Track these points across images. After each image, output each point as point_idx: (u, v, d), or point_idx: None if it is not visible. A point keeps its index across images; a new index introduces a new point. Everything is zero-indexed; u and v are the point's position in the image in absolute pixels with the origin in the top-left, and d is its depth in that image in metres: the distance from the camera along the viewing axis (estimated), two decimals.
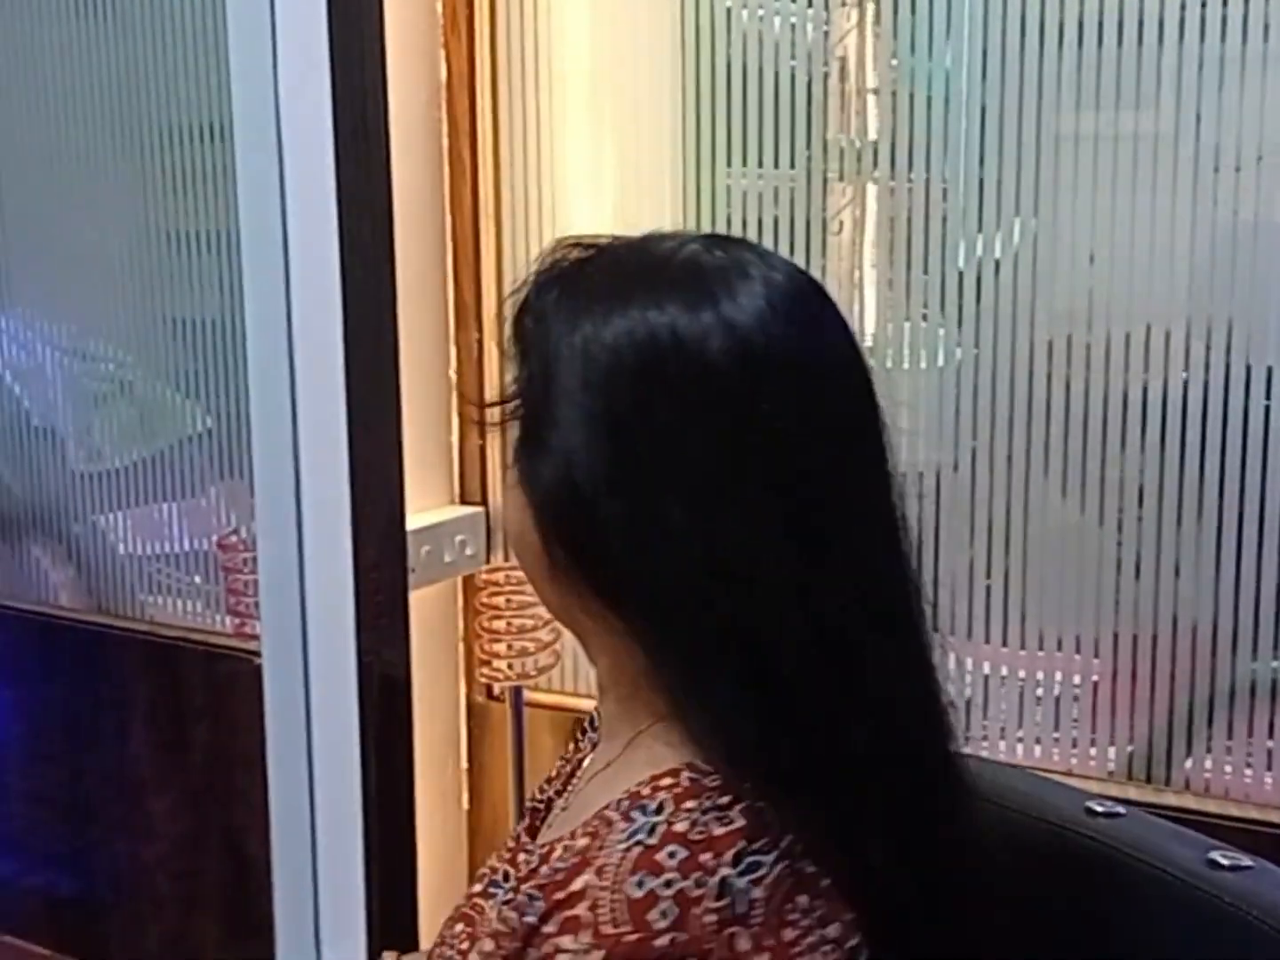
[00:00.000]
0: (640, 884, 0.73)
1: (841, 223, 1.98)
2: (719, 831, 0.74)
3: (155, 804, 2.48)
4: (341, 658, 1.66)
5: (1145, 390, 1.77)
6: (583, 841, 0.78)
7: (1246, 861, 0.87)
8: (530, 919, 0.76)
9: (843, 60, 1.94)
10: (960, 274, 1.87)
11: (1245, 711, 1.74)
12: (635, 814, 0.76)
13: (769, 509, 0.77)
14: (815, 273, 1.91)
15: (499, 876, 0.88)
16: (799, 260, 1.93)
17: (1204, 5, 1.67)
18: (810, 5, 1.92)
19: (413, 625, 1.87)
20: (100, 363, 2.73)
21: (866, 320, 1.97)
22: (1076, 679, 1.83)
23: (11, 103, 2.65)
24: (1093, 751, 1.84)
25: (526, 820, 0.97)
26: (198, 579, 2.60)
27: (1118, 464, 1.79)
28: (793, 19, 1.94)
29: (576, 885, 0.75)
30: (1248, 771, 1.74)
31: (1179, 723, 1.79)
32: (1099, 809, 0.94)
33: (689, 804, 0.76)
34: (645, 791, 0.78)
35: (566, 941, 0.74)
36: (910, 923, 0.78)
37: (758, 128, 1.97)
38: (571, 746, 1.04)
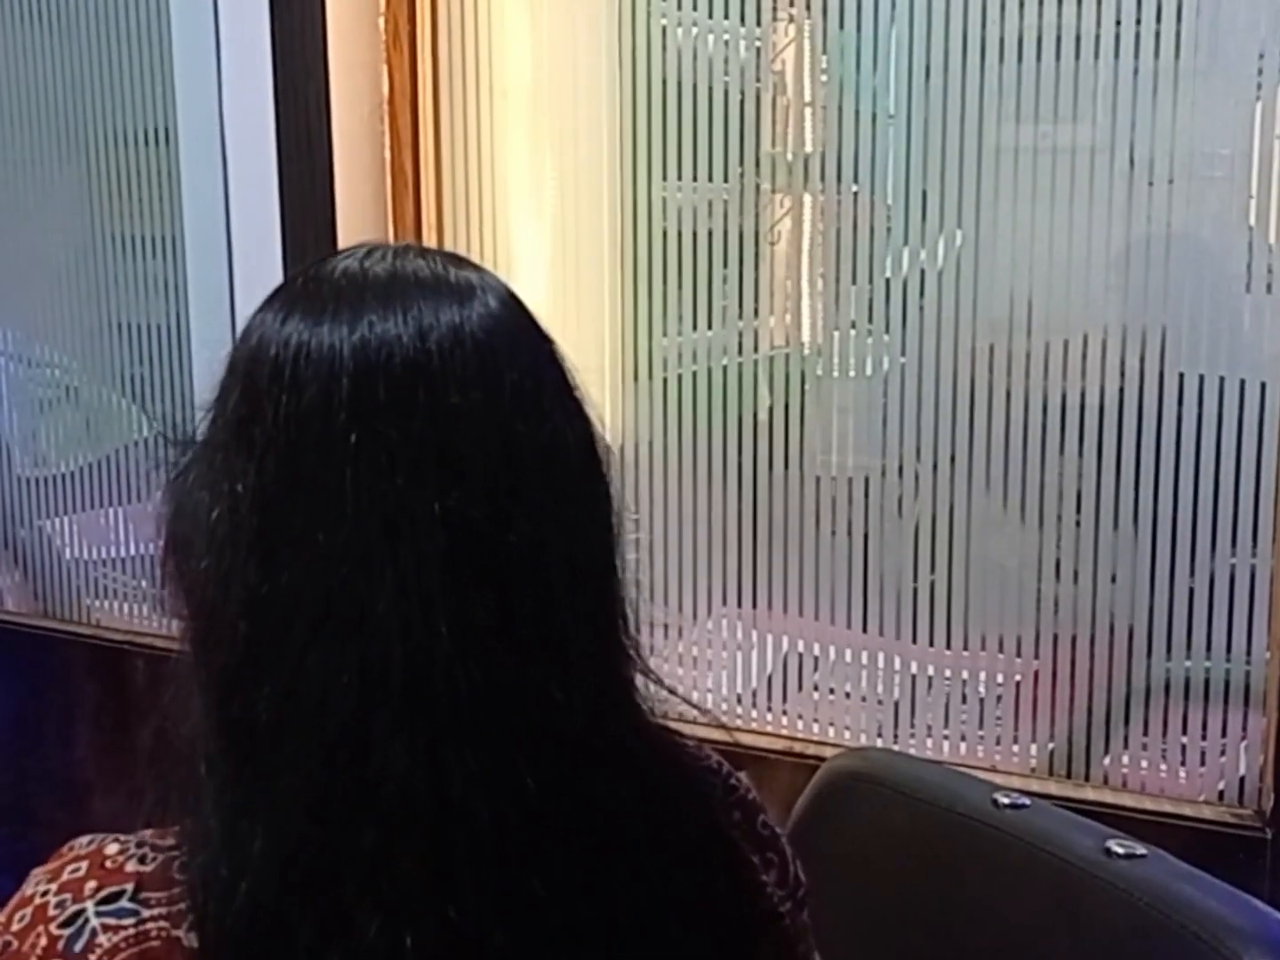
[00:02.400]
0: (37, 884, 0.71)
1: (779, 234, 2.03)
2: (128, 868, 0.70)
3: (100, 806, 2.49)
4: None
5: (1083, 396, 1.81)
6: None
7: (1141, 850, 0.91)
8: None
9: (777, 75, 1.98)
10: (889, 284, 1.92)
11: (1160, 709, 1.79)
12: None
13: (242, 515, 0.70)
14: (750, 283, 1.99)
15: None
16: (732, 271, 2.00)
17: (1138, 22, 1.71)
18: (743, 22, 1.96)
19: None
20: (45, 368, 2.73)
21: (803, 329, 2.02)
22: (1000, 678, 1.89)
23: None
24: (1015, 749, 1.89)
25: None
26: (144, 583, 2.61)
27: (1054, 469, 1.83)
28: (726, 35, 1.99)
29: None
30: (1162, 766, 1.79)
31: (1098, 720, 1.85)
32: (1004, 800, 0.98)
33: (145, 838, 0.72)
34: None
35: None
36: None
37: (693, 142, 2.01)
38: None
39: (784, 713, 2.02)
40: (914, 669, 1.93)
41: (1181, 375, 1.75)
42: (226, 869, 0.65)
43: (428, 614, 0.67)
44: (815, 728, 2.00)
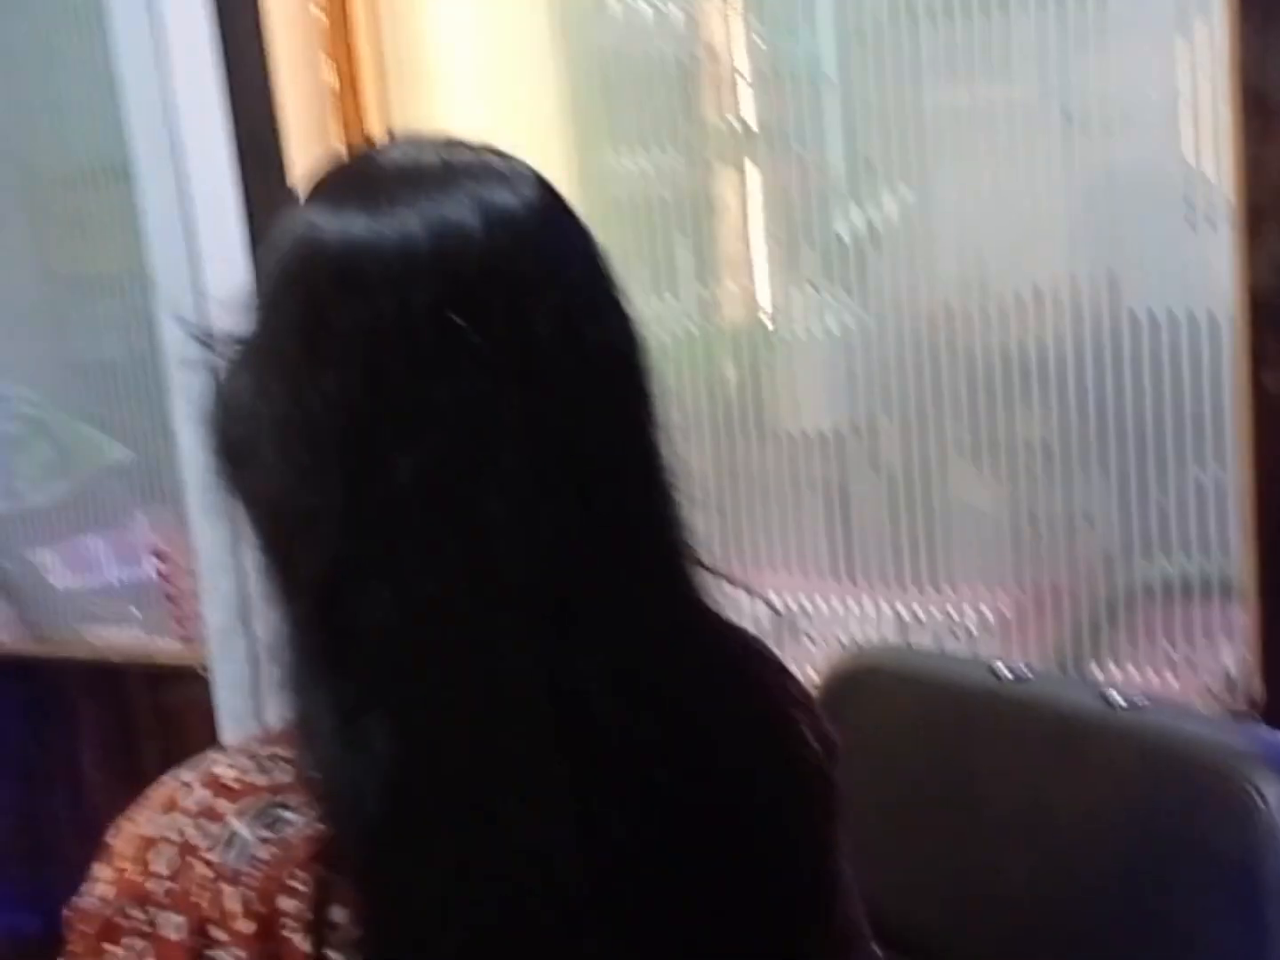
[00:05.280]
0: (155, 822, 0.70)
1: (727, 206, 2.07)
2: (258, 781, 0.70)
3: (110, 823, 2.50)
4: None
5: (1039, 343, 1.85)
6: None
7: (1142, 700, 0.95)
8: None
9: (710, 44, 2.02)
10: (842, 245, 1.96)
11: (1144, 615, 1.84)
12: (205, 769, 0.73)
13: (324, 429, 0.69)
14: (706, 250, 2.02)
15: None
16: (683, 241, 2.03)
17: None
18: None
19: None
20: (11, 403, 2.75)
21: (760, 294, 2.05)
22: (987, 612, 1.93)
23: None
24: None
25: None
26: (131, 607, 2.63)
27: (1022, 417, 1.87)
28: (658, 4, 2.02)
29: (127, 818, 0.73)
30: (1151, 671, 1.82)
31: (1084, 635, 1.88)
32: (1005, 673, 1.01)
33: (252, 751, 0.72)
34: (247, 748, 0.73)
35: (97, 869, 0.72)
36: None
37: (637, 109, 2.04)
38: None
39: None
40: (902, 612, 1.97)
41: (1132, 312, 1.80)
42: (355, 770, 0.66)
43: (527, 516, 0.68)
44: (814, 677, 2.03)
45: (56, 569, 2.68)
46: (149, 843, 0.70)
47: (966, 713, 1.02)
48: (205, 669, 2.32)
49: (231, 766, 0.71)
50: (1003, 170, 1.83)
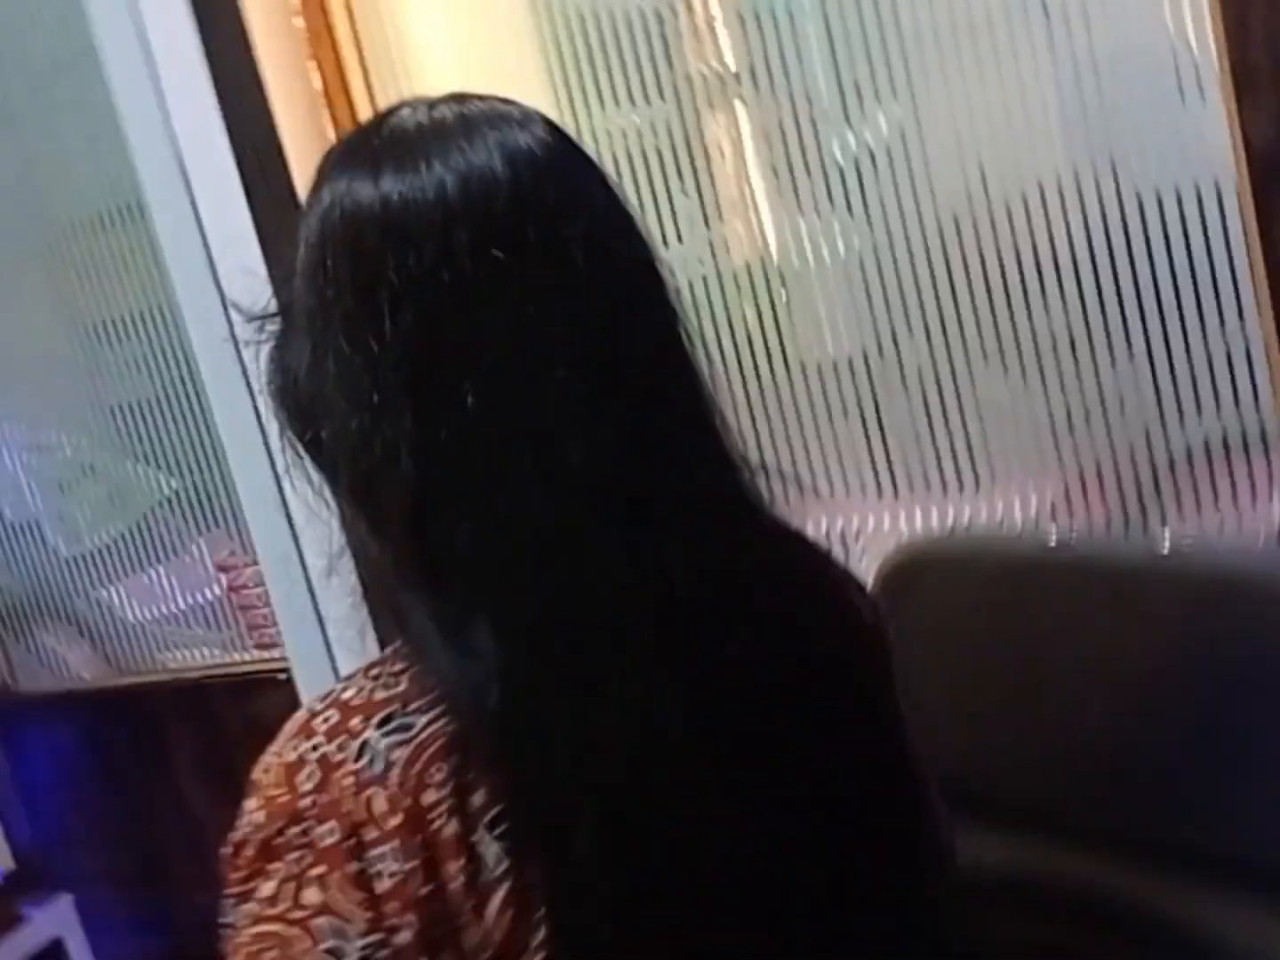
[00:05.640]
0: (295, 748, 0.76)
1: (721, 149, 2.09)
2: (379, 696, 0.75)
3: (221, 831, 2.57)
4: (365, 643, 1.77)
5: (1051, 241, 1.86)
6: None
7: (1188, 540, 0.98)
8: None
9: None
10: (842, 170, 1.98)
11: (1189, 479, 1.87)
12: (329, 697, 0.78)
13: (389, 372, 0.74)
14: (703, 198, 2.05)
15: None
16: (684, 187, 2.06)
17: None
18: None
19: None
20: (58, 451, 2.81)
21: (766, 228, 2.08)
22: (1034, 502, 1.96)
23: None
24: None
25: None
26: (201, 629, 2.69)
27: (1040, 317, 1.89)
28: None
29: (264, 755, 0.78)
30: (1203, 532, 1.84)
31: (1133, 509, 1.91)
32: (1055, 540, 1.04)
33: (369, 673, 0.77)
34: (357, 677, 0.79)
35: (248, 805, 0.77)
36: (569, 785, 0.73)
37: (621, 67, 2.07)
38: None
39: None
40: (950, 516, 2.00)
41: (1136, 192, 1.81)
42: (470, 672, 0.72)
43: (586, 420, 0.75)
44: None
45: (126, 604, 2.75)
46: (293, 767, 0.75)
47: (1019, 582, 1.05)
48: (283, 674, 2.39)
49: (353, 689, 0.77)
50: (989, 74, 1.85)
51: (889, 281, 1.98)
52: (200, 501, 2.62)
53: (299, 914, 0.73)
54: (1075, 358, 1.90)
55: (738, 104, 2.05)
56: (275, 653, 2.45)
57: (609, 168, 2.10)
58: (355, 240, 0.76)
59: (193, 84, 1.67)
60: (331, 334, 0.76)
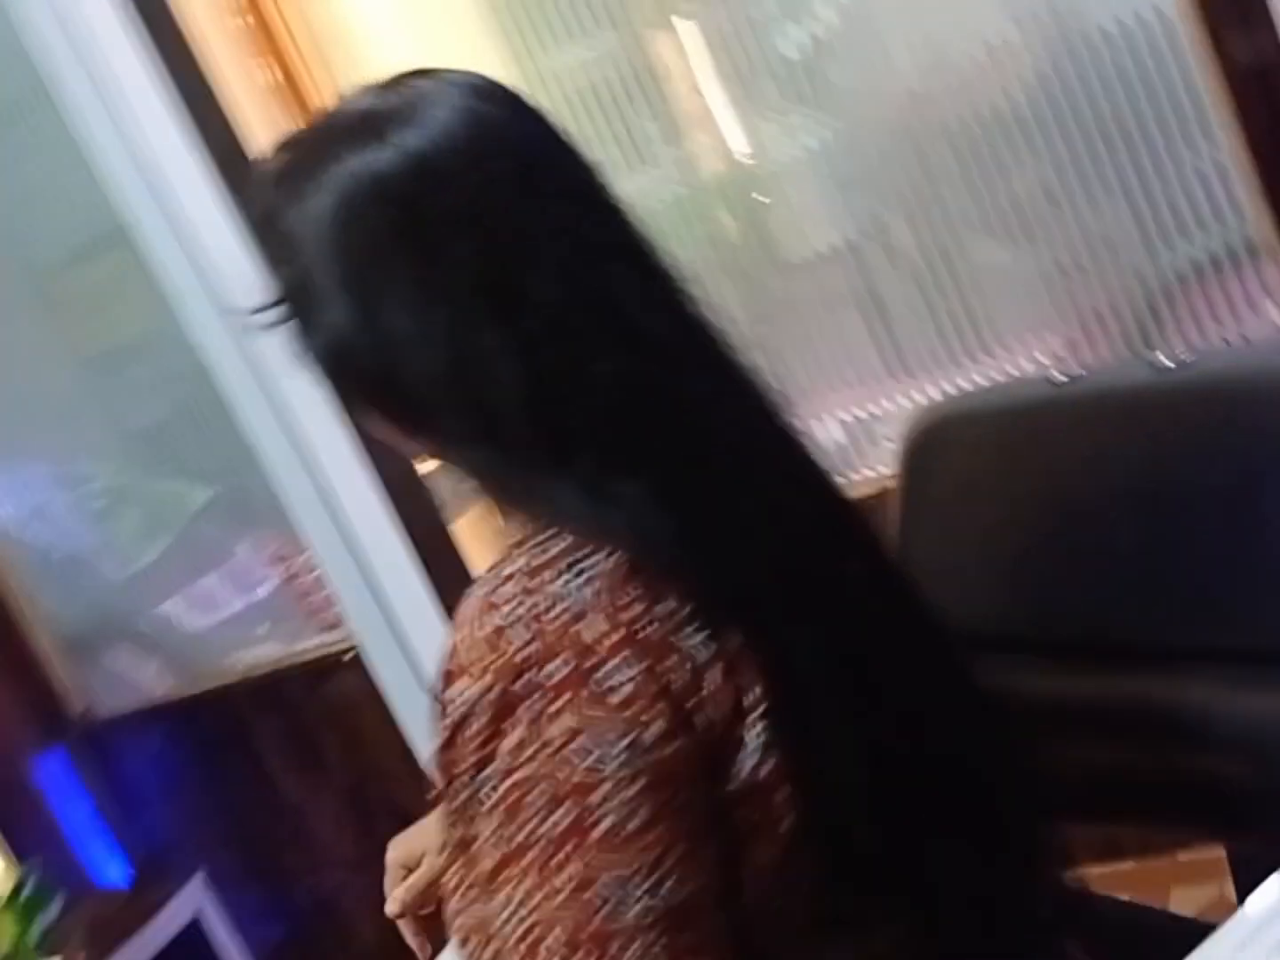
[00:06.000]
0: (487, 623, 0.79)
1: (668, 66, 2.12)
2: (545, 559, 0.81)
3: (326, 806, 2.68)
4: (424, 611, 1.82)
5: (1011, 101, 1.89)
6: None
7: (1187, 357, 1.01)
8: (443, 715, 0.81)
9: None
10: (795, 64, 2.00)
11: (1186, 311, 1.90)
12: (485, 577, 0.83)
13: (465, 298, 0.83)
14: (664, 118, 2.07)
15: None
16: (643, 111, 2.09)
17: None
18: None
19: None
20: (89, 481, 2.87)
21: (728, 138, 2.11)
22: (1044, 358, 1.99)
23: None
24: None
25: None
26: (260, 629, 2.76)
27: (1018, 178, 1.93)
28: None
29: (450, 647, 0.81)
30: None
31: (1137, 344, 1.93)
32: (1059, 378, 1.08)
33: (523, 550, 0.82)
34: (495, 562, 0.84)
35: (456, 689, 0.79)
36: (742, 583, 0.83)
37: (559, 5, 2.09)
38: None
39: (865, 467, 2.14)
40: (965, 386, 2.03)
41: (1084, 33, 1.84)
42: (625, 516, 0.81)
43: (657, 302, 0.86)
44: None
45: (184, 615, 2.81)
46: (493, 635, 0.79)
47: (1034, 421, 1.09)
48: (348, 654, 2.46)
49: (511, 567, 0.82)
50: None
51: (862, 168, 2.01)
52: (235, 506, 2.68)
53: (552, 748, 0.77)
54: (1059, 209, 1.93)
55: (676, 20, 2.07)
56: (338, 634, 2.52)
57: (565, 107, 2.15)
58: (393, 196, 0.84)
59: (149, 102, 1.70)
60: (389, 285, 0.84)
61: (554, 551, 0.82)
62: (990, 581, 1.11)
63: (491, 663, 0.78)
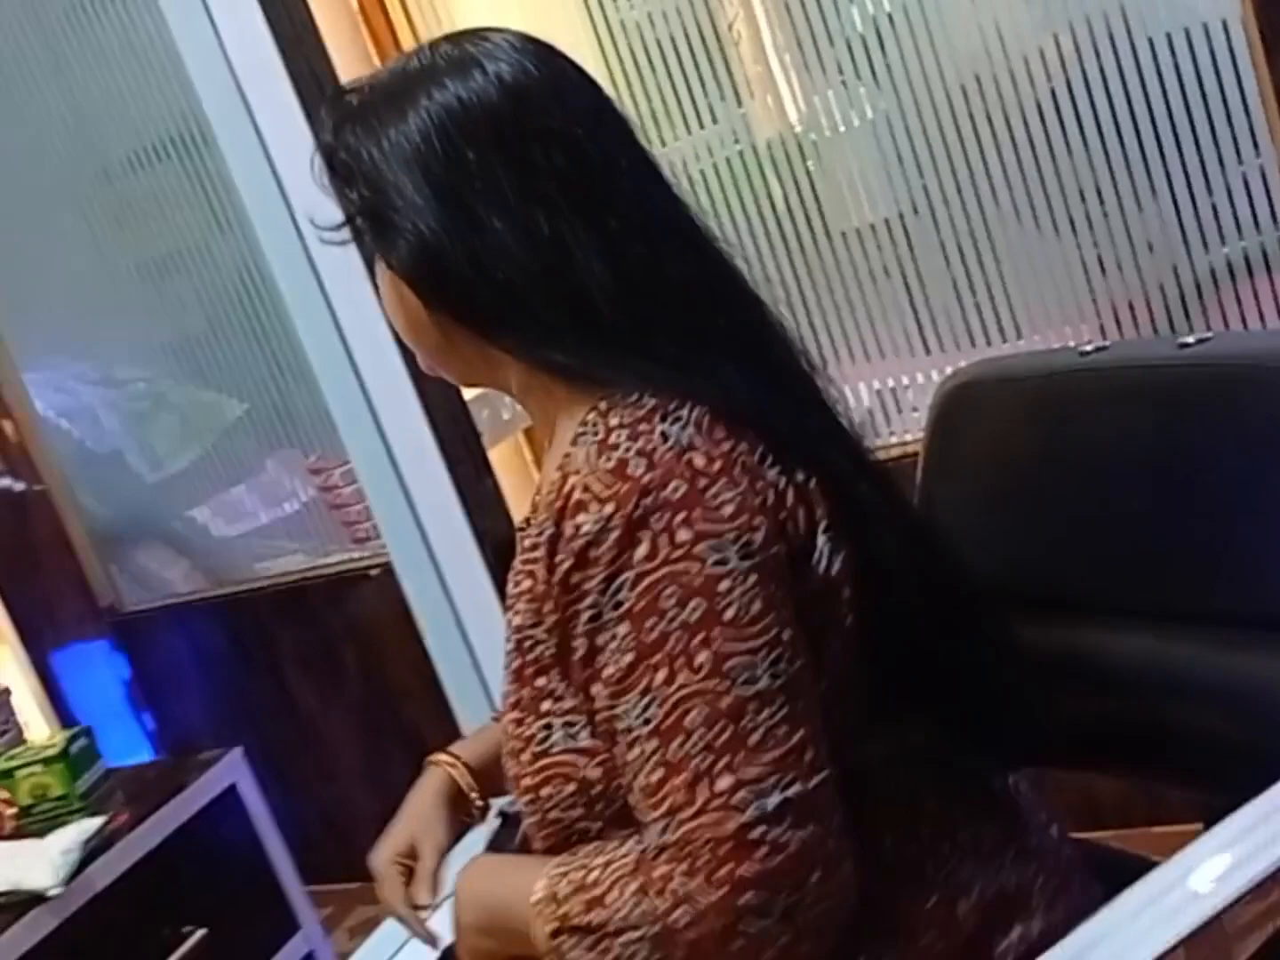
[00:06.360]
0: (610, 458, 0.92)
1: (738, 32, 2.17)
2: (640, 413, 0.94)
3: (334, 721, 2.75)
4: (458, 532, 1.88)
5: (1071, 91, 1.94)
6: (554, 475, 0.96)
7: (1208, 334, 1.07)
8: (555, 554, 0.92)
9: None
10: (862, 38, 2.05)
11: (1218, 309, 1.96)
12: (580, 440, 0.95)
13: (560, 202, 0.97)
14: (725, 79, 2.12)
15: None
16: (706, 71, 2.14)
17: None
18: None
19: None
20: (130, 384, 2.94)
21: (790, 105, 2.16)
22: (1071, 342, 2.04)
23: None
24: None
25: None
26: (286, 541, 2.84)
27: (1067, 169, 1.98)
28: None
29: (568, 489, 0.92)
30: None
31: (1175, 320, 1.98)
32: (1088, 348, 1.14)
33: (614, 412, 0.95)
34: (580, 430, 0.96)
35: (581, 518, 0.91)
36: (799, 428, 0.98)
37: None
38: None
39: (891, 433, 2.21)
40: None
41: (1149, 38, 1.89)
42: (713, 377, 0.96)
43: (699, 228, 1.03)
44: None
45: (212, 521, 2.89)
46: (617, 467, 0.92)
47: (1059, 387, 1.14)
48: (374, 569, 2.53)
49: (615, 419, 0.95)
50: None
51: (916, 145, 2.06)
52: (268, 423, 2.75)
53: (680, 551, 0.89)
54: (1102, 204, 1.98)
55: None
56: (368, 549, 2.60)
57: (631, 59, 2.20)
58: (496, 115, 0.98)
59: (244, 12, 1.75)
60: (491, 193, 0.96)
61: (646, 408, 0.94)
62: (1004, 535, 1.18)
63: (619, 489, 0.90)
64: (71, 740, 1.61)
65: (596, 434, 0.94)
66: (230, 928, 1.59)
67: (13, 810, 1.60)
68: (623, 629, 0.90)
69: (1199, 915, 0.61)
